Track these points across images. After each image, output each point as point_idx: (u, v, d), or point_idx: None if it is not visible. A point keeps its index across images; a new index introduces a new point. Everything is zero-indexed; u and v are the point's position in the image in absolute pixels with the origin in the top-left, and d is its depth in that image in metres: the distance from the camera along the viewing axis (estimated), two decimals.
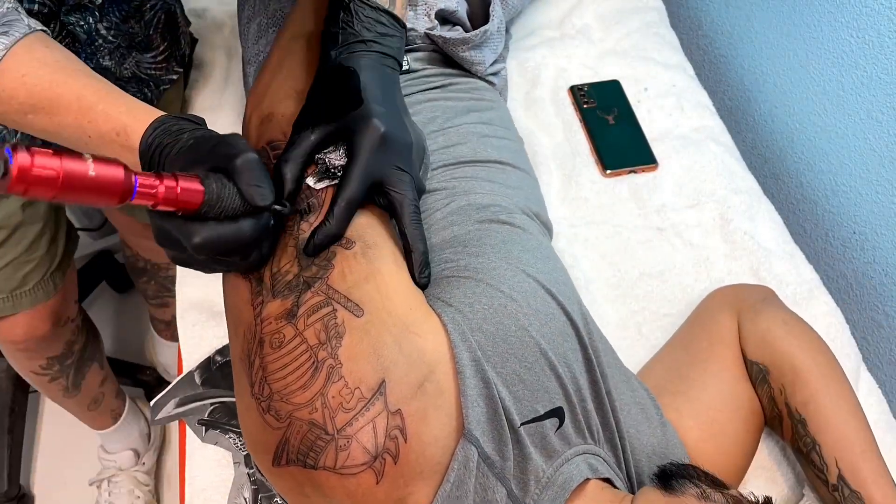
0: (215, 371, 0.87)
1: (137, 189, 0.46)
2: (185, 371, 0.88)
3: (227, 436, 0.83)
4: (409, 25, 0.89)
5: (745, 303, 0.83)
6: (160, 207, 0.48)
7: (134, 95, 0.92)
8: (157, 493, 1.43)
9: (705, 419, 0.74)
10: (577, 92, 1.12)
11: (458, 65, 0.93)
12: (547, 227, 0.84)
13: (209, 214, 0.50)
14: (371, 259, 0.58)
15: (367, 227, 0.60)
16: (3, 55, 0.54)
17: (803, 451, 0.74)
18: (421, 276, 0.60)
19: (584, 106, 1.11)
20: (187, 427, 0.84)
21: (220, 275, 0.64)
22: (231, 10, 1.16)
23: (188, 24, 1.06)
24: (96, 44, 0.85)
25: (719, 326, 0.82)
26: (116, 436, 1.35)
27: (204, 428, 0.84)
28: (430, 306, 0.60)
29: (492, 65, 0.96)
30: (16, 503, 1.40)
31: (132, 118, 0.55)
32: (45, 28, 0.58)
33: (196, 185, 0.49)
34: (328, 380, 0.53)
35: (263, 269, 0.58)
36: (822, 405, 0.72)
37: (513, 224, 0.72)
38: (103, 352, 1.26)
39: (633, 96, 1.13)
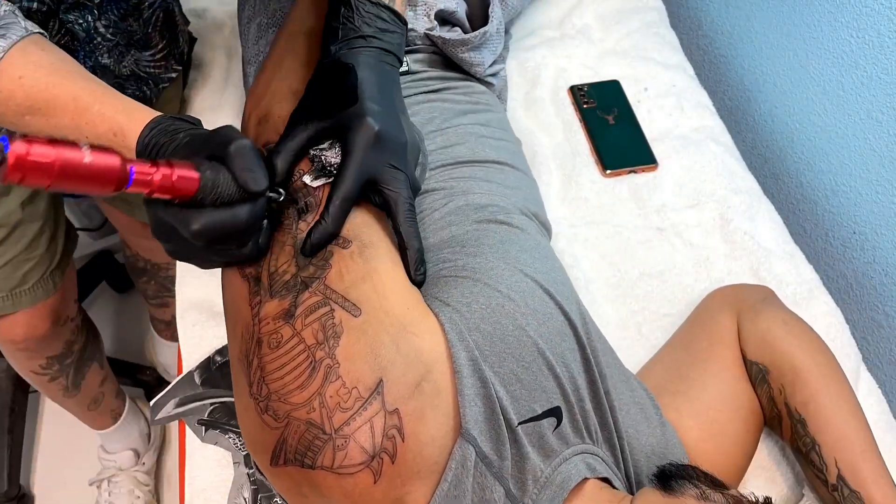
0: (215, 371, 0.87)
1: (133, 176, 0.46)
2: (185, 371, 0.88)
3: (226, 436, 0.83)
4: (408, 25, 0.89)
5: (745, 303, 0.83)
6: (156, 195, 0.48)
7: (133, 93, 0.92)
8: (157, 493, 1.43)
9: (705, 419, 0.74)
10: (577, 92, 1.12)
11: (458, 66, 0.93)
12: (545, 227, 0.84)
13: (205, 201, 0.50)
14: (368, 258, 0.58)
15: (364, 227, 0.60)
16: (0, 58, 0.55)
17: (803, 451, 0.74)
18: (416, 273, 0.61)
19: (584, 106, 1.11)
20: (187, 427, 0.84)
21: (219, 275, 0.65)
22: (231, 10, 1.16)
23: (186, 22, 1.06)
24: (95, 42, 0.85)
25: (719, 326, 0.82)
26: (116, 436, 1.35)
27: (204, 428, 0.84)
28: (428, 306, 0.60)
29: (491, 66, 0.96)
30: (16, 503, 1.40)
31: (128, 118, 0.56)
32: (42, 31, 0.59)
33: (191, 173, 0.49)
34: (326, 379, 0.53)
35: (261, 269, 0.58)
36: (822, 405, 0.72)
37: (511, 224, 0.72)
38: (103, 352, 1.26)
39: (633, 96, 1.13)
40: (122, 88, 0.93)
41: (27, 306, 0.98)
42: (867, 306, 1.05)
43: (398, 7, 0.65)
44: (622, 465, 0.67)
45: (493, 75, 0.98)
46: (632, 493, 0.62)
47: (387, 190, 0.59)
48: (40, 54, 0.57)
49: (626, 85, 1.14)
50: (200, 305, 0.92)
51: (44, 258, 0.97)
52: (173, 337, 1.35)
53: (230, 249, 0.55)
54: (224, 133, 0.53)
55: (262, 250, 0.58)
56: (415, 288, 0.62)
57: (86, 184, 0.44)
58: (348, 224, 0.59)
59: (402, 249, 0.61)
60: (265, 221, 0.57)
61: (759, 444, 0.80)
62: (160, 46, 0.96)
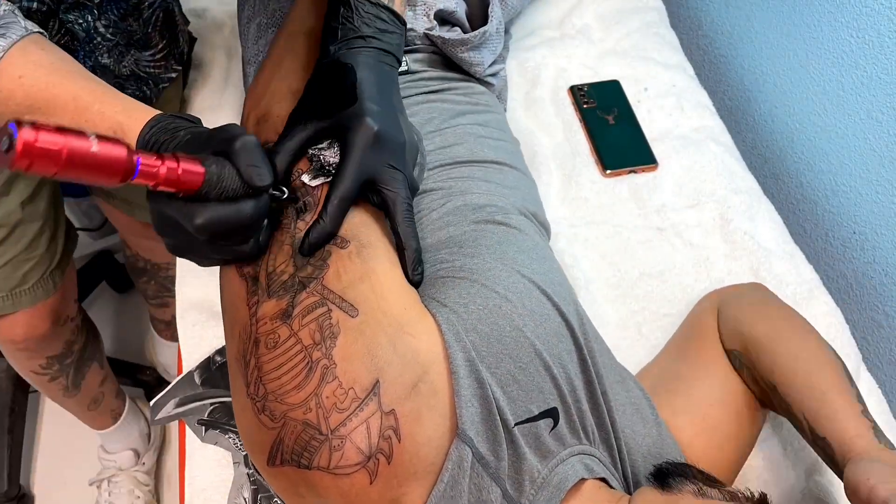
0: (215, 371, 0.87)
1: (140, 168, 0.46)
2: (185, 371, 0.88)
3: (226, 436, 0.83)
4: (408, 25, 0.89)
5: (723, 298, 0.85)
6: (161, 188, 0.48)
7: (133, 93, 0.92)
8: (157, 493, 1.43)
9: (697, 415, 0.74)
10: (576, 92, 1.12)
11: (457, 66, 0.93)
12: (544, 227, 0.84)
13: (209, 196, 0.50)
14: (366, 259, 0.58)
15: (362, 227, 0.60)
16: (0, 57, 0.55)
17: (786, 416, 0.73)
18: (414, 273, 0.61)
19: (584, 106, 1.11)
20: (187, 427, 0.84)
21: (219, 274, 0.64)
22: (231, 10, 1.16)
23: (186, 22, 1.06)
24: (95, 41, 0.85)
25: (703, 324, 0.83)
26: (116, 436, 1.35)
27: (204, 428, 0.84)
28: (425, 306, 0.60)
29: (491, 66, 0.96)
30: (16, 503, 1.40)
31: (128, 117, 0.56)
32: (41, 30, 0.59)
33: (197, 167, 0.49)
34: (322, 380, 0.53)
35: (259, 269, 0.58)
36: (781, 364, 0.72)
37: (509, 225, 0.72)
38: (103, 352, 1.26)
39: (633, 96, 1.13)
40: (122, 88, 0.93)
41: (27, 306, 0.98)
42: (867, 306, 1.05)
43: (397, 7, 0.65)
44: (619, 465, 0.67)
45: (492, 75, 0.98)
46: (629, 493, 0.62)
47: (385, 190, 0.59)
48: (40, 54, 0.57)
49: (626, 85, 1.14)
50: (200, 305, 0.92)
51: (44, 258, 0.97)
52: (173, 337, 1.35)
53: (231, 246, 0.55)
54: (229, 129, 0.53)
55: (262, 248, 0.58)
56: (412, 288, 0.62)
57: (92, 173, 0.44)
58: (346, 224, 0.59)
59: (399, 249, 0.61)
60: (266, 220, 0.57)
61: (757, 439, 0.80)
62: (160, 46, 0.96)
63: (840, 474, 0.64)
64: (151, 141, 0.54)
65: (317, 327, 0.54)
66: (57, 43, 0.79)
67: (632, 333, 0.92)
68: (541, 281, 0.67)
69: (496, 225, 0.72)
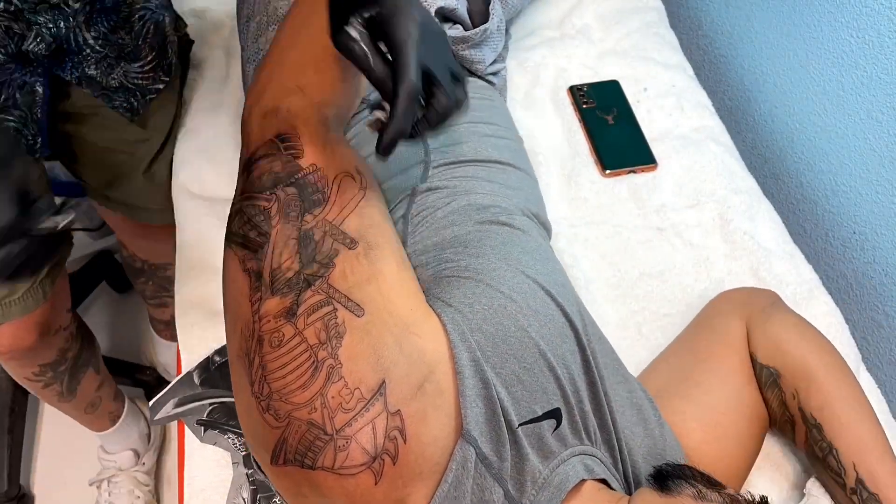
0: (214, 371, 0.87)
1: None
2: (184, 371, 0.88)
3: (225, 436, 0.83)
4: None
5: (755, 307, 0.83)
6: None
7: (120, 105, 0.92)
8: (157, 494, 1.43)
9: (709, 422, 0.74)
10: (576, 92, 1.12)
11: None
12: (546, 228, 0.84)
13: None
14: (373, 260, 0.58)
15: (371, 228, 0.60)
16: None
17: (819, 456, 0.74)
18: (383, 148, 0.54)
19: (584, 106, 1.11)
20: (186, 427, 0.84)
21: (219, 276, 0.64)
22: (231, 10, 1.15)
23: (183, 26, 1.05)
24: (84, 53, 0.84)
25: (728, 330, 0.82)
26: (116, 437, 1.35)
27: (203, 428, 0.84)
28: (431, 306, 0.60)
29: (491, 64, 0.96)
30: (16, 503, 1.40)
31: None
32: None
33: None
34: (328, 380, 0.52)
35: (263, 265, 0.57)
36: (837, 409, 0.73)
37: (512, 226, 0.72)
38: (99, 357, 1.24)
39: (633, 96, 1.13)
40: (109, 100, 0.93)
41: (17, 317, 0.95)
42: (867, 306, 1.05)
43: None
44: (620, 466, 0.67)
45: (493, 74, 0.98)
46: (630, 494, 0.62)
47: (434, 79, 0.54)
48: None
49: (626, 85, 1.14)
50: (200, 305, 0.92)
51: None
52: (172, 337, 1.35)
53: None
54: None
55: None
56: (418, 290, 0.62)
57: None
58: (355, 224, 0.59)
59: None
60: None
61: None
62: (149, 59, 0.95)
63: None
64: None
65: (322, 326, 0.54)
66: (34, 48, 0.77)
67: (632, 333, 0.91)
68: (544, 281, 0.67)
69: (500, 226, 0.72)
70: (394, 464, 0.52)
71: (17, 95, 0.82)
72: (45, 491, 1.45)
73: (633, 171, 1.05)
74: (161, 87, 0.99)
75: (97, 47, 0.85)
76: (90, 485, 1.39)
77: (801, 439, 0.76)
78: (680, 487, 0.58)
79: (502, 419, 0.57)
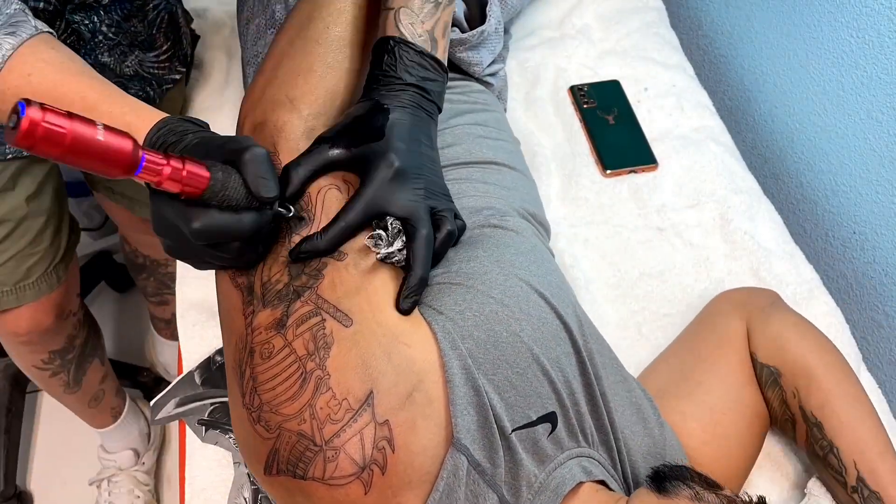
0: (215, 371, 0.87)
1: (144, 163, 0.46)
2: (185, 371, 0.88)
3: (226, 436, 0.83)
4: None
5: (755, 306, 0.83)
6: (163, 186, 0.48)
7: (136, 94, 0.93)
8: (157, 493, 1.43)
9: (709, 421, 0.74)
10: (576, 92, 1.12)
11: (456, 66, 0.92)
12: (544, 227, 0.84)
13: (212, 201, 0.50)
14: (363, 271, 0.58)
15: (360, 239, 0.60)
16: (10, 54, 0.55)
17: (819, 455, 0.74)
18: (405, 299, 0.59)
19: (584, 106, 1.11)
20: (187, 427, 0.84)
21: (215, 283, 0.64)
22: (231, 10, 1.16)
23: (189, 21, 1.06)
24: (96, 39, 0.85)
25: (728, 329, 0.82)
26: (116, 435, 1.35)
27: (204, 428, 0.84)
28: (421, 314, 0.60)
29: (490, 65, 0.96)
30: (15, 502, 1.40)
31: (136, 117, 0.56)
32: (51, 30, 0.59)
33: (202, 171, 0.49)
34: (316, 391, 0.53)
35: (254, 279, 0.58)
36: (837, 408, 0.73)
37: (506, 228, 0.72)
38: (104, 348, 1.26)
39: (633, 96, 1.13)
40: (125, 88, 0.93)
41: (31, 300, 0.99)
42: (867, 306, 1.05)
43: (440, 55, 0.65)
44: (619, 467, 0.67)
45: (491, 75, 0.98)
46: (629, 494, 0.62)
47: (407, 224, 0.59)
48: (50, 52, 0.57)
49: (626, 85, 1.14)
50: (201, 305, 0.92)
51: (48, 252, 0.98)
52: (173, 336, 1.35)
53: (228, 255, 0.55)
54: (241, 140, 0.53)
55: (259, 259, 0.58)
56: None
57: (95, 161, 0.44)
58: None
59: (406, 270, 0.59)
60: (266, 233, 0.57)
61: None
62: (164, 48, 0.96)
63: None
64: (159, 142, 0.54)
65: (311, 337, 0.54)
66: (63, 42, 0.79)
67: (632, 333, 0.91)
68: (538, 284, 0.67)
69: (493, 228, 0.71)
70: (383, 474, 0.52)
71: None
72: (43, 491, 1.45)
73: (634, 171, 1.05)
74: (177, 77, 1.00)
75: (110, 35, 0.86)
76: (90, 484, 1.39)
77: (802, 438, 0.76)
78: (677, 489, 0.58)
79: (494, 426, 0.57)
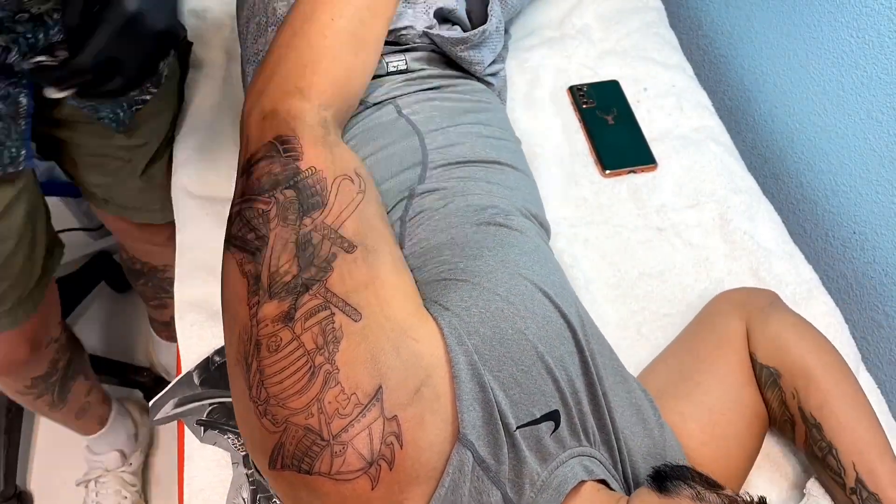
0: (214, 371, 0.87)
1: None
2: (184, 371, 0.88)
3: (225, 436, 0.83)
4: (407, 23, 0.89)
5: (754, 307, 0.83)
6: None
7: (107, 116, 0.91)
8: (144, 494, 1.43)
9: (708, 422, 0.74)
10: (576, 92, 1.12)
11: (457, 65, 0.92)
12: (545, 228, 0.84)
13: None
14: (371, 264, 0.58)
15: (369, 231, 0.60)
16: None
17: (819, 456, 0.74)
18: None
19: (584, 106, 1.11)
20: (186, 427, 0.84)
21: (219, 276, 0.64)
22: (231, 10, 1.15)
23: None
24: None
25: (727, 330, 0.82)
26: (103, 440, 1.34)
27: (202, 428, 0.84)
28: (427, 310, 0.60)
29: (490, 65, 0.96)
30: (15, 502, 1.40)
31: None
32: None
33: None
34: (325, 385, 0.52)
35: (261, 268, 0.57)
36: (836, 409, 0.73)
37: (510, 227, 0.72)
38: (88, 363, 1.23)
39: (633, 96, 1.13)
40: (95, 111, 0.90)
41: (4, 330, 0.93)
42: (867, 306, 1.05)
43: None
44: (620, 467, 0.67)
45: (492, 75, 0.98)
46: (630, 494, 0.62)
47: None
48: None
49: (626, 85, 1.14)
50: (199, 306, 0.92)
51: (20, 279, 0.90)
52: (172, 338, 1.34)
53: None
54: None
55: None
56: (416, 294, 0.61)
57: None
58: (353, 227, 0.59)
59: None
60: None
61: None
62: None
63: None
64: None
65: (319, 331, 0.54)
66: (18, 61, 0.76)
67: (632, 333, 0.91)
68: (542, 283, 0.67)
69: (497, 227, 0.72)
70: (390, 469, 0.52)
71: (1, 106, 0.79)
72: (42, 491, 1.45)
73: (633, 171, 1.05)
74: (148, 97, 0.95)
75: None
76: (77, 485, 1.39)
77: (801, 439, 0.76)
78: (678, 488, 0.58)
79: (499, 422, 0.57)
